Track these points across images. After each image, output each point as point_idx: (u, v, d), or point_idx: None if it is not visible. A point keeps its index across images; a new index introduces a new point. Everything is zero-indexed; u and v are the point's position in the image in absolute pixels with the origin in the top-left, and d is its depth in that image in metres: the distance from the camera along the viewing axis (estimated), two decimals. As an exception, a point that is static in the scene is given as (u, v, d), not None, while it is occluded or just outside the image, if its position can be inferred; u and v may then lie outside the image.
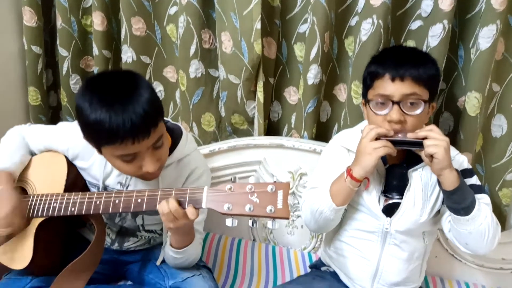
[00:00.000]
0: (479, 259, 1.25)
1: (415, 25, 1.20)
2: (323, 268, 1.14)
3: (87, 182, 1.05)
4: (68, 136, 1.03)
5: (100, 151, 0.90)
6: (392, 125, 0.92)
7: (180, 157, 1.03)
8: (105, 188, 1.03)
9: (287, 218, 0.78)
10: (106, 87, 0.87)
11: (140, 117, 0.82)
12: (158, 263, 1.08)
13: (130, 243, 1.13)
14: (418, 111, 0.92)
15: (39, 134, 1.08)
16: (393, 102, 0.92)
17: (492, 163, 1.24)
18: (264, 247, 1.40)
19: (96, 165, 1.02)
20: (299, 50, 1.33)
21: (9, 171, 0.99)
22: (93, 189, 1.05)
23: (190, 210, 0.84)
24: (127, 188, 1.03)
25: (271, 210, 0.78)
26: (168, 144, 0.96)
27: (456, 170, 0.90)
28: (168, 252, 1.01)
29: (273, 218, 0.78)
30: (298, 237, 1.40)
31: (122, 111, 0.81)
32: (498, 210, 1.24)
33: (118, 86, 0.87)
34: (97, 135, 0.86)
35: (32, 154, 1.08)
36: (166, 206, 0.84)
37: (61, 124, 1.10)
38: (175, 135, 1.04)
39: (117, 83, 0.87)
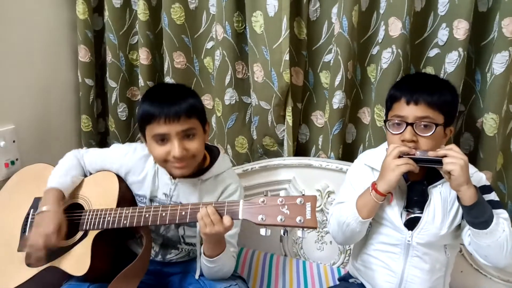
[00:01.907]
0: (504, 274, 1.28)
1: (433, 52, 1.29)
2: (350, 280, 1.21)
3: (135, 196, 1.19)
4: (120, 154, 1.20)
5: (145, 138, 1.09)
6: (406, 143, 1.00)
7: (217, 172, 1.16)
8: (152, 199, 1.17)
9: (315, 228, 0.87)
10: (161, 90, 1.13)
11: (174, 104, 1.02)
12: (196, 276, 1.17)
13: (172, 255, 1.24)
14: (429, 133, 1.00)
15: (95, 155, 1.24)
16: (407, 124, 1.01)
17: (514, 180, 1.29)
18: (295, 262, 1.47)
19: (148, 178, 1.16)
20: (324, 77, 1.44)
21: (58, 189, 1.12)
22: (140, 203, 1.18)
23: (226, 218, 0.95)
24: (171, 198, 1.15)
25: (300, 220, 0.87)
26: (202, 145, 1.09)
27: (474, 186, 0.96)
28: (203, 262, 1.10)
29: (303, 227, 0.87)
30: (327, 253, 1.47)
31: (164, 101, 1.04)
32: (522, 227, 1.28)
33: (169, 90, 1.12)
34: (141, 119, 1.07)
35: (86, 174, 1.23)
36: (205, 210, 0.96)
37: (113, 145, 1.26)
38: (214, 154, 1.18)
39: (169, 89, 1.14)
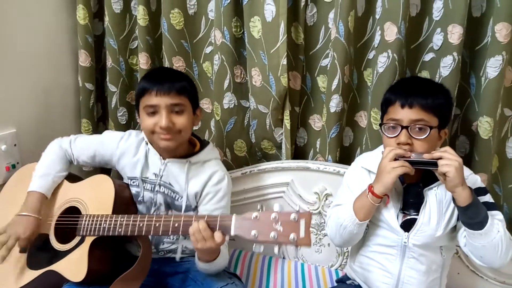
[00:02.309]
0: (501, 276, 1.29)
1: (428, 57, 1.31)
2: (348, 282, 1.22)
3: (127, 179, 1.23)
4: (116, 138, 1.26)
5: (138, 111, 1.16)
6: (401, 146, 1.02)
7: (205, 159, 1.22)
8: (144, 180, 1.21)
9: (309, 246, 0.85)
10: (159, 70, 1.27)
11: (168, 82, 1.10)
12: (177, 259, 1.21)
13: (165, 246, 1.25)
14: (424, 136, 1.01)
15: (87, 142, 1.28)
16: (402, 127, 1.02)
17: (509, 183, 1.30)
18: (294, 265, 1.48)
19: (140, 160, 1.21)
20: (321, 81, 1.46)
21: (39, 193, 1.15)
22: (132, 186, 1.22)
23: (217, 235, 0.95)
24: (160, 178, 1.19)
25: (293, 238, 0.84)
26: (189, 123, 1.15)
27: (469, 187, 0.97)
28: (198, 265, 1.13)
29: (296, 246, 0.85)
30: (325, 255, 1.48)
31: (159, 79, 1.12)
32: (517, 228, 1.29)
33: (167, 72, 1.23)
34: (137, 93, 1.15)
35: (73, 162, 1.27)
36: (196, 226, 0.97)
37: (106, 132, 1.31)
38: (204, 143, 1.25)
39: (167, 71, 1.28)
